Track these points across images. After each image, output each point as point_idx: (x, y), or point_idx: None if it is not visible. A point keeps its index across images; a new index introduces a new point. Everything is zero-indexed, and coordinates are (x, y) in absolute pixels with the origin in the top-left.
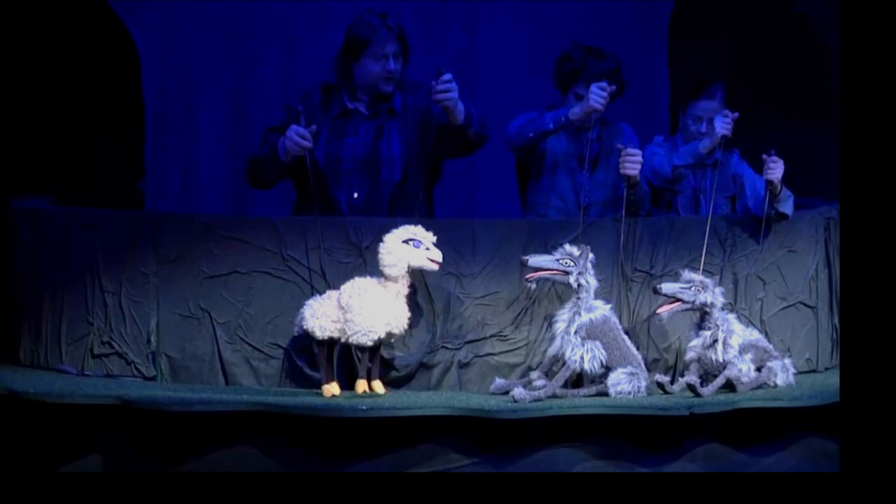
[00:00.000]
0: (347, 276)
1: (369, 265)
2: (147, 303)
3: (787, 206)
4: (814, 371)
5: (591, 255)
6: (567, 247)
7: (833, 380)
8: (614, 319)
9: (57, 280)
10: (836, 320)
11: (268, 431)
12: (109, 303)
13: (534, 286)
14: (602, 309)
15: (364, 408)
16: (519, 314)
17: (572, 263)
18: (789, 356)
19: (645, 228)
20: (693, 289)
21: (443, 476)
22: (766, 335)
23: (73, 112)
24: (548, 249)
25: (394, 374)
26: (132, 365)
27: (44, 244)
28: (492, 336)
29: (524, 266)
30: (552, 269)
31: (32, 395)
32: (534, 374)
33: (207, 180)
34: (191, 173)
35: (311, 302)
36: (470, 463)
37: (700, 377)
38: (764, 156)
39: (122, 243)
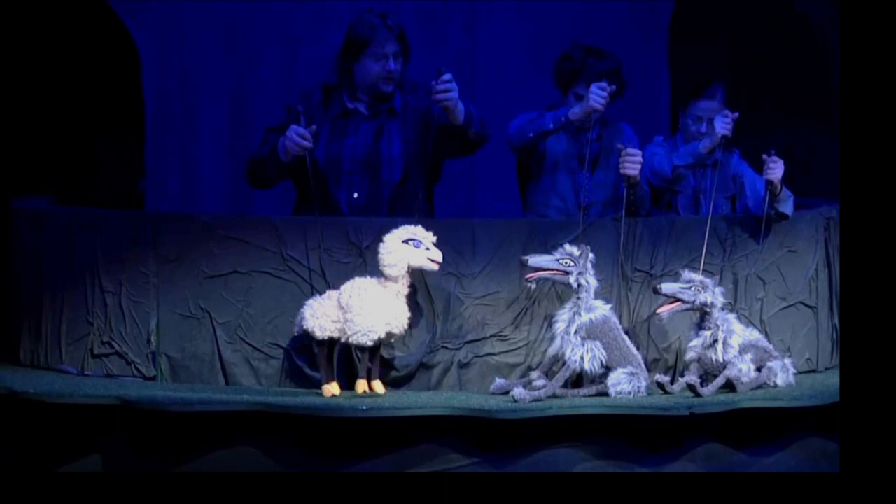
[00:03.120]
0: (347, 276)
1: (369, 265)
2: (147, 303)
3: (787, 206)
4: (814, 371)
5: (591, 255)
6: (567, 247)
7: (833, 380)
8: (614, 319)
9: (57, 280)
10: (836, 320)
11: (268, 431)
12: (109, 303)
13: (534, 286)
14: (602, 309)
15: (364, 408)
16: (519, 314)
17: (572, 263)
18: (789, 356)
19: (645, 228)
20: (693, 289)
21: (443, 476)
22: (766, 335)
23: (73, 112)
24: (548, 249)
25: (394, 374)
26: (132, 365)
27: (44, 244)
28: (492, 336)
29: (524, 266)
30: (552, 269)
31: (32, 395)
32: (534, 374)
33: (207, 180)
34: (191, 173)
35: (311, 302)
36: (470, 463)
37: (700, 377)
38: (764, 156)
39: (122, 243)
